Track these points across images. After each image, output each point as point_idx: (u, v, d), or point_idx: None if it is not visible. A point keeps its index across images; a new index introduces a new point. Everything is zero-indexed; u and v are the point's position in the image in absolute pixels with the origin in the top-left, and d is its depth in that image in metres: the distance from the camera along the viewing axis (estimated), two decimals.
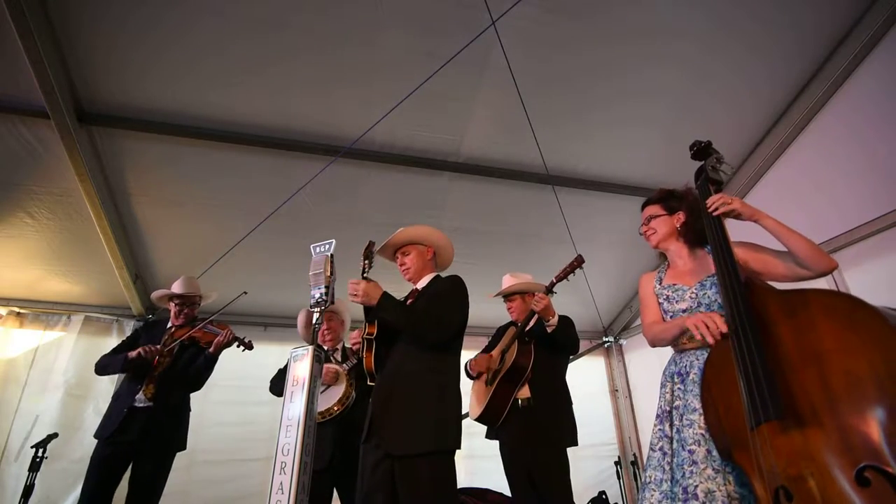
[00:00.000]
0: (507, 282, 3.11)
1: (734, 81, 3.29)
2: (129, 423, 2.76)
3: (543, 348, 2.80)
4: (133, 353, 2.83)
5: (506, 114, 3.23)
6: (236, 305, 3.22)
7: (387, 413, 2.07)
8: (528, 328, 2.84)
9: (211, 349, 2.96)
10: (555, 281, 2.71)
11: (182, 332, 3.06)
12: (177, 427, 2.97)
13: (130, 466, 2.79)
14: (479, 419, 2.87)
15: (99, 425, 2.84)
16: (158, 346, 2.90)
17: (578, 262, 2.69)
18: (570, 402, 2.92)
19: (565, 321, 2.84)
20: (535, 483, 2.65)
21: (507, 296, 3.11)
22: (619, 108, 3.38)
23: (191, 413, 3.11)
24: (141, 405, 2.82)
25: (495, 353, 3.00)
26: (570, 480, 2.65)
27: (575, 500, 2.65)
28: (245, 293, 3.19)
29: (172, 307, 3.15)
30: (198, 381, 3.08)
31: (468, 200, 3.84)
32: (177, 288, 3.16)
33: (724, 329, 1.44)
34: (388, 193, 3.70)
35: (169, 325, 3.15)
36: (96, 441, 2.80)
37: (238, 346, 3.02)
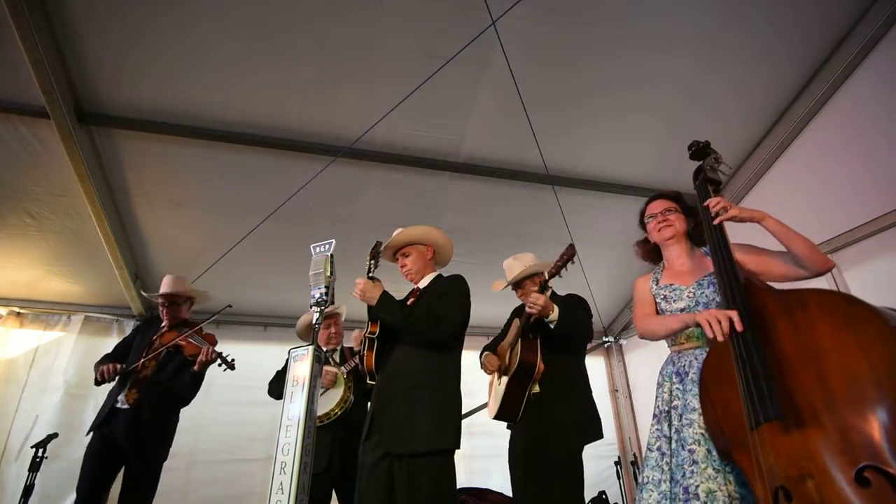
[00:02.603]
0: (511, 268, 2.91)
1: (735, 80, 3.28)
2: (111, 421, 2.76)
3: (549, 344, 2.59)
4: (99, 370, 2.79)
5: (506, 114, 3.23)
6: (236, 305, 3.21)
7: (387, 412, 2.08)
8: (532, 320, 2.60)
9: (195, 367, 2.81)
10: (547, 277, 2.44)
11: (170, 336, 2.95)
12: (161, 436, 2.88)
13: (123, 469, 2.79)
14: (497, 417, 2.70)
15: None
16: (119, 367, 2.81)
17: (570, 254, 2.35)
18: (583, 395, 2.67)
19: (569, 305, 2.59)
20: (539, 479, 2.49)
21: (516, 284, 2.90)
22: (620, 107, 3.37)
23: (178, 422, 3.04)
24: (122, 406, 2.79)
25: (504, 346, 2.84)
26: (575, 479, 2.44)
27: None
28: (230, 306, 3.09)
29: (160, 308, 3.06)
30: (185, 397, 2.98)
31: (468, 200, 3.84)
32: (162, 288, 3.07)
33: (739, 328, 1.36)
34: (388, 193, 3.70)
35: (161, 324, 3.08)
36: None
37: (220, 365, 2.86)
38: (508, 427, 2.79)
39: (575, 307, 2.66)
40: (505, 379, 2.67)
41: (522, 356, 2.53)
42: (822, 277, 1.63)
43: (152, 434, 2.82)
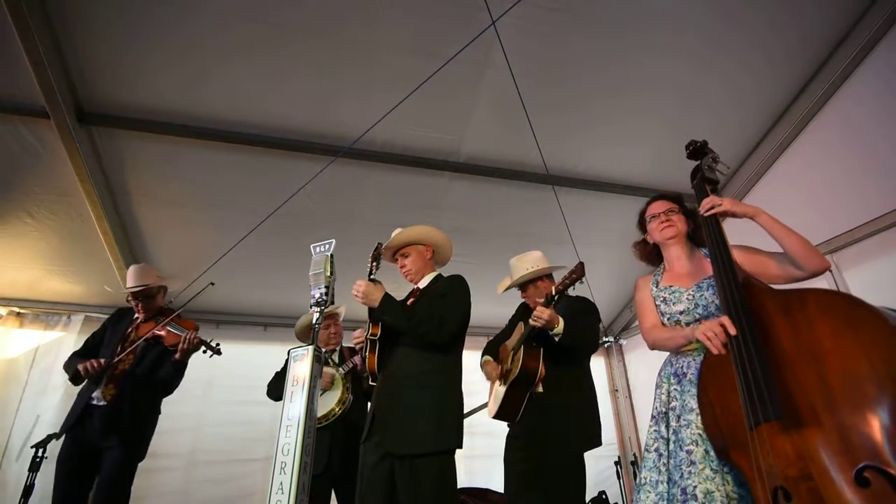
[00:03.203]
0: (515, 268, 2.84)
1: (734, 81, 3.28)
2: (85, 420, 2.58)
3: (553, 352, 2.54)
4: (80, 367, 2.59)
5: (506, 114, 3.23)
6: (236, 305, 3.19)
7: (388, 412, 2.09)
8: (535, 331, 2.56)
9: (177, 355, 2.63)
10: (554, 293, 2.38)
11: (146, 327, 2.74)
12: (140, 433, 2.70)
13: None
14: (496, 417, 2.68)
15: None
16: (103, 362, 2.61)
17: (579, 274, 2.33)
18: (587, 400, 2.63)
19: (577, 311, 2.54)
20: (540, 483, 2.45)
21: (520, 286, 2.86)
22: (620, 107, 3.37)
23: (159, 417, 2.88)
24: (97, 403, 2.61)
25: (507, 347, 2.80)
26: (577, 484, 2.42)
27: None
28: (212, 284, 2.88)
29: (133, 302, 2.86)
30: (167, 388, 2.83)
31: (468, 200, 3.84)
32: (129, 281, 2.84)
33: (733, 331, 1.37)
34: (388, 193, 3.70)
35: (135, 315, 2.88)
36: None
37: (205, 352, 2.68)
38: (509, 424, 2.74)
39: (583, 314, 2.60)
40: (506, 382, 2.64)
41: (525, 363, 2.49)
42: (821, 277, 1.62)
43: (132, 431, 2.64)
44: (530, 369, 2.48)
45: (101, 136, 3.07)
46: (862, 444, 1.08)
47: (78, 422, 2.58)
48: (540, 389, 2.54)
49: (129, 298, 2.86)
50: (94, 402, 2.62)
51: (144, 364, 2.73)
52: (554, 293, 2.37)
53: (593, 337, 2.66)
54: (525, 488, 2.48)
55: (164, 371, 2.72)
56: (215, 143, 3.18)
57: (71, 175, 3.03)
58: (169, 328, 2.71)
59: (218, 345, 2.73)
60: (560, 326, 2.36)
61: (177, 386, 2.86)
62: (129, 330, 2.82)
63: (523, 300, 2.93)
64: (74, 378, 2.68)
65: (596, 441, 2.58)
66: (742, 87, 3.34)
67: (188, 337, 2.63)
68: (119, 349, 2.72)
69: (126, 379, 2.68)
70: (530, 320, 2.38)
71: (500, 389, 2.68)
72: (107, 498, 2.53)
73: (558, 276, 2.57)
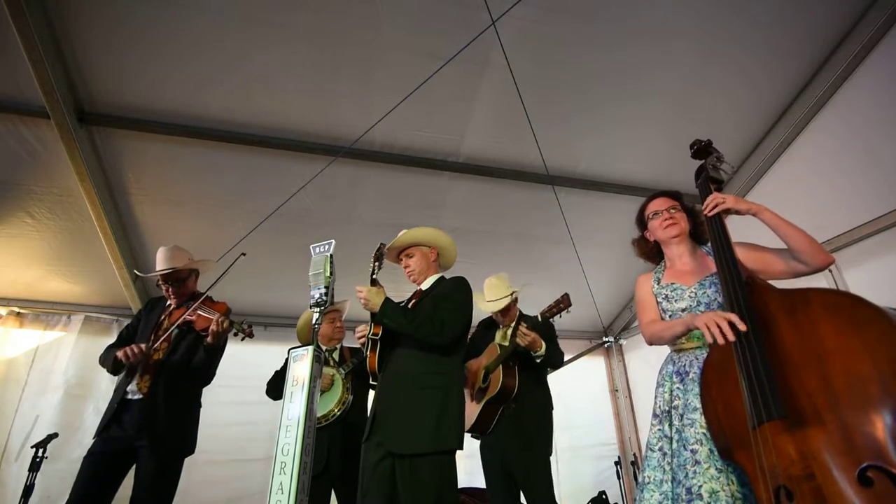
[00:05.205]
0: (494, 287, 3.02)
1: (734, 81, 3.28)
2: (121, 416, 2.42)
3: (525, 367, 2.81)
4: (119, 354, 2.42)
5: (506, 114, 3.23)
6: (236, 304, 3.17)
7: (389, 412, 2.09)
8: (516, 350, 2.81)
9: (208, 339, 2.47)
10: (539, 319, 2.69)
11: (178, 313, 2.61)
12: (181, 425, 2.54)
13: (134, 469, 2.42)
14: (469, 431, 2.84)
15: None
16: (143, 347, 2.45)
17: (566, 304, 2.65)
18: (550, 410, 2.95)
19: (547, 335, 2.78)
20: (519, 485, 2.73)
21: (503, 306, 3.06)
22: (620, 107, 3.37)
23: (201, 409, 2.74)
24: (133, 397, 2.45)
25: (477, 365, 2.95)
26: (551, 482, 2.71)
27: (575, 500, 2.66)
28: (244, 255, 2.68)
29: (163, 287, 2.71)
30: (204, 376, 2.65)
31: (468, 200, 3.84)
32: (159, 264, 2.69)
33: (742, 328, 1.34)
34: (388, 193, 3.70)
35: (168, 303, 2.74)
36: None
37: (236, 335, 2.54)
38: (475, 437, 2.97)
39: (554, 338, 2.92)
40: (478, 397, 2.86)
41: (504, 383, 2.72)
42: (820, 276, 1.62)
43: (173, 424, 2.47)
44: (509, 387, 2.72)
45: (101, 136, 3.07)
46: (865, 444, 1.07)
47: (114, 419, 2.42)
48: (512, 405, 2.82)
49: (159, 282, 2.69)
50: (130, 395, 2.47)
51: (179, 352, 2.58)
52: (539, 318, 2.70)
53: (560, 357, 3.03)
54: (504, 487, 2.78)
55: (198, 358, 2.57)
56: (215, 143, 3.18)
57: (71, 175, 3.02)
58: (200, 312, 2.55)
59: (250, 326, 2.58)
60: (542, 350, 2.71)
61: (213, 373, 2.69)
62: (162, 317, 2.68)
63: (487, 318, 3.20)
64: (115, 368, 2.51)
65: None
66: (743, 88, 3.33)
67: (218, 319, 2.47)
68: (153, 338, 2.57)
69: (161, 369, 2.51)
70: (517, 339, 2.65)
71: (473, 407, 2.86)
72: (142, 497, 2.35)
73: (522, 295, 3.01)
